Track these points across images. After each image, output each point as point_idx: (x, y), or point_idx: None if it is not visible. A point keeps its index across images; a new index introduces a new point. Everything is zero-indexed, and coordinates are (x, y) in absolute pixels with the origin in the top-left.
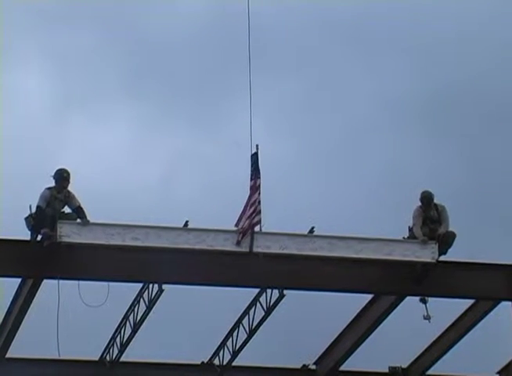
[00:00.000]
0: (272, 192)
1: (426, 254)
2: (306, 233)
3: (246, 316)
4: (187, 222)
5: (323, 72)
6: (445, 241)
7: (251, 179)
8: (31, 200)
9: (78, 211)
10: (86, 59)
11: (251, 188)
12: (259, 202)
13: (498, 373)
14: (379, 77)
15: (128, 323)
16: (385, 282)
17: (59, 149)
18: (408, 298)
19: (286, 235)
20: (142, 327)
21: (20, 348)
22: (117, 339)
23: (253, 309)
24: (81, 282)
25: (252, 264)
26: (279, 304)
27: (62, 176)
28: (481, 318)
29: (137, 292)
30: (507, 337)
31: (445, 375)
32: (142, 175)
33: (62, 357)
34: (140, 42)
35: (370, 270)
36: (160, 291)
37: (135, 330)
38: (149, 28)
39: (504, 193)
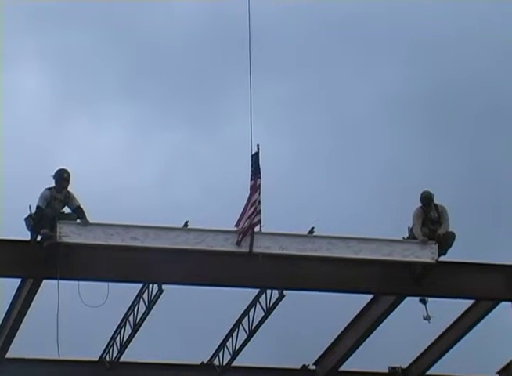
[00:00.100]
0: (272, 192)
1: (426, 254)
2: (306, 233)
3: (246, 317)
4: (187, 222)
5: (323, 72)
6: (445, 242)
7: (251, 179)
8: (31, 201)
9: (78, 212)
10: (85, 59)
11: (251, 188)
12: (259, 202)
13: (498, 373)
14: (379, 77)
15: (127, 323)
16: (385, 282)
17: (58, 149)
18: (408, 298)
19: (285, 235)
20: (141, 327)
21: (20, 348)
22: (117, 339)
23: (253, 309)
24: (81, 282)
25: (252, 264)
26: (279, 304)
27: (62, 176)
28: (481, 318)
29: (137, 292)
30: (507, 337)
31: (445, 375)
32: (141, 175)
33: (62, 357)
34: (139, 42)
35: (370, 270)
36: (160, 291)
37: (134, 331)
38: (147, 28)
39: (504, 193)
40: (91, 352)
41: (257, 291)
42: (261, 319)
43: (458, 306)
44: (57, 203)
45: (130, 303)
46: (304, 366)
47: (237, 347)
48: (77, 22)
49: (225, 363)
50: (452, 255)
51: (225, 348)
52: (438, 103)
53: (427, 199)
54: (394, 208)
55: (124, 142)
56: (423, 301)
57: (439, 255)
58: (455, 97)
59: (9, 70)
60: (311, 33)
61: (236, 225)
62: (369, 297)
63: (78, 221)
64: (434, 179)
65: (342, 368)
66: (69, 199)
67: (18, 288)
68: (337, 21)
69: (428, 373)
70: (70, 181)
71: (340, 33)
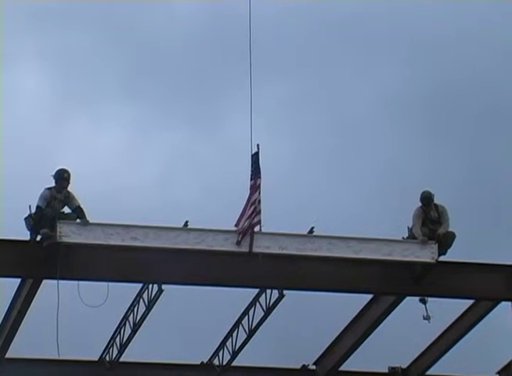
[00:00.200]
0: (272, 192)
1: (425, 254)
2: (306, 233)
3: (246, 317)
4: (187, 222)
5: (323, 72)
6: (445, 241)
7: (251, 179)
8: (31, 201)
9: (78, 212)
10: (85, 59)
11: (251, 188)
12: (259, 202)
13: (498, 373)
14: (379, 77)
15: (127, 323)
16: (385, 282)
17: (58, 149)
18: (407, 298)
19: (285, 235)
20: (141, 327)
21: (20, 348)
22: (117, 339)
23: (252, 309)
24: (81, 282)
25: (252, 264)
26: (279, 304)
27: (62, 176)
28: (481, 318)
29: (136, 292)
30: (507, 337)
31: (445, 375)
32: (141, 175)
33: (61, 357)
34: (139, 42)
35: (370, 270)
36: (160, 291)
37: (134, 331)
38: (147, 28)
39: (504, 193)
40: (91, 352)
41: (256, 290)
42: (261, 319)
43: (458, 306)
44: (57, 203)
45: (130, 303)
46: (303, 366)
47: (237, 347)
48: (77, 22)
49: (224, 363)
50: (452, 255)
51: (225, 348)
52: (438, 103)
53: (427, 199)
54: (394, 208)
55: (124, 142)
56: (423, 301)
57: (439, 255)
58: (455, 97)
59: (9, 70)
60: (311, 33)
61: (236, 225)
62: (369, 297)
63: (78, 221)
64: (434, 179)
65: (342, 368)
66: (69, 199)
67: (18, 288)
68: (337, 21)
69: (428, 373)
70: (70, 181)
71: (340, 33)
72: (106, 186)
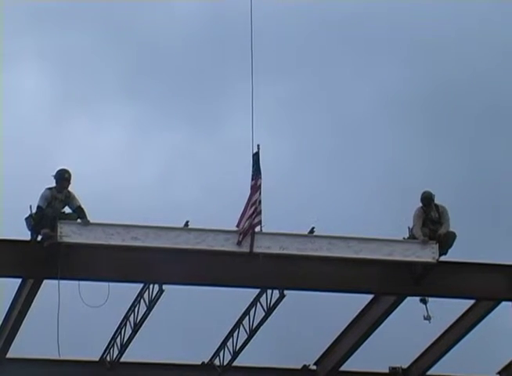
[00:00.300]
0: (272, 192)
1: (426, 254)
2: (306, 233)
3: (247, 317)
4: (187, 222)
5: (323, 72)
6: (446, 241)
7: (252, 179)
8: (31, 201)
9: (78, 212)
10: (85, 59)
11: (252, 188)
12: (259, 202)
13: (498, 373)
14: (379, 77)
15: (128, 323)
16: (385, 282)
17: (58, 149)
18: (408, 298)
19: (286, 235)
20: (142, 327)
21: (21, 348)
22: (118, 339)
23: (253, 309)
24: (82, 282)
25: (252, 264)
26: (280, 304)
27: (62, 176)
28: (482, 318)
29: (137, 292)
30: (508, 337)
31: (446, 375)
32: (141, 175)
33: (62, 357)
34: (139, 42)
35: (370, 270)
36: (161, 291)
37: (135, 331)
38: (147, 28)
39: (504, 193)
40: (92, 352)
41: (257, 291)
42: (262, 319)
43: (458, 306)
44: (58, 203)
45: (130, 303)
46: (304, 366)
47: (238, 347)
48: (77, 22)
49: (225, 363)
50: (453, 255)
51: (226, 348)
52: (438, 103)
53: (427, 199)
54: (395, 208)
55: (124, 142)
56: (424, 301)
57: (440, 255)
58: (455, 97)
59: (8, 70)
60: (311, 33)
61: (237, 226)
62: (370, 297)
63: (79, 221)
64: (434, 179)
65: (342, 368)
66: (69, 199)
67: (18, 288)
68: (337, 21)
69: (429, 373)
70: (71, 181)
71: (340, 33)
72: (105, 186)
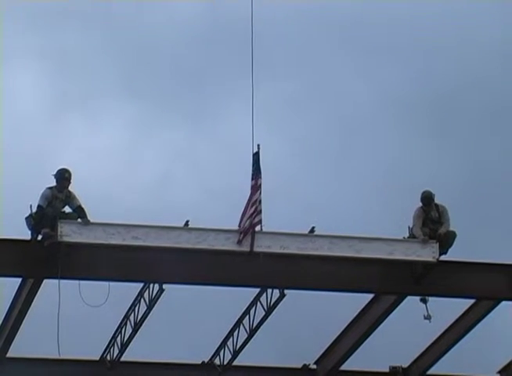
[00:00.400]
0: (273, 192)
1: (427, 253)
2: (307, 232)
3: (247, 316)
4: (188, 221)
5: (323, 72)
6: (446, 241)
7: (252, 179)
8: (31, 200)
9: (79, 211)
10: (83, 58)
11: (252, 187)
12: (260, 202)
13: (498, 372)
14: (379, 77)
15: (128, 322)
16: (386, 281)
17: (57, 148)
18: (408, 297)
19: (286, 235)
20: (142, 326)
21: (21, 347)
22: (118, 339)
23: (253, 308)
24: (82, 282)
25: (253, 264)
26: (280, 303)
27: (63, 176)
28: (482, 318)
29: (137, 292)
30: (508, 336)
31: (446, 375)
32: (141, 174)
33: (62, 357)
34: (138, 42)
35: (371, 270)
36: (161, 290)
37: (135, 330)
38: (147, 27)
39: (505, 193)
40: (92, 352)
41: (257, 290)
42: (262, 319)
43: (459, 306)
44: (58, 202)
45: (131, 302)
46: (304, 365)
47: (238, 346)
48: (76, 21)
49: (225, 363)
50: (453, 255)
51: (226, 348)
52: (438, 103)
53: (427, 199)
54: (395, 208)
55: (124, 142)
56: (424, 301)
57: (440, 255)
58: (455, 97)
59: (7, 69)
60: (311, 33)
61: (239, 226)
62: (370, 296)
63: (79, 220)
64: (434, 179)
65: (343, 367)
66: (70, 198)
67: (19, 288)
68: (337, 21)
69: (429, 372)
70: (71, 180)
71: (340, 33)
72: (105, 186)
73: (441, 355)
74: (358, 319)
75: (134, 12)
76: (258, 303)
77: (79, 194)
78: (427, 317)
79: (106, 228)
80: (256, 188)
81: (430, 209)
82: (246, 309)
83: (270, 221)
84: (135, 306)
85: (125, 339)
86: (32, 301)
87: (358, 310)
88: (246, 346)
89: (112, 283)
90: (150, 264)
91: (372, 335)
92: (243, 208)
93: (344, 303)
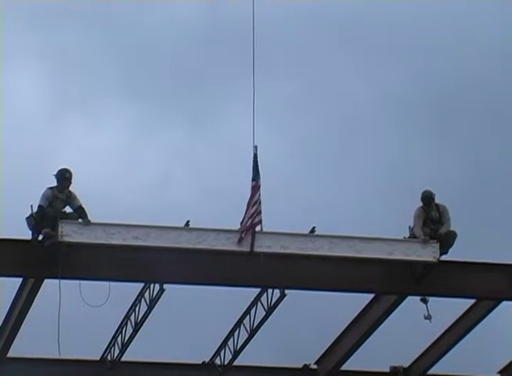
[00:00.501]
0: (273, 192)
1: (427, 253)
2: (307, 232)
3: (248, 316)
4: (188, 221)
5: (325, 72)
6: (446, 241)
7: (253, 180)
8: (31, 200)
9: (79, 211)
10: (83, 58)
11: (253, 188)
12: (260, 202)
13: (499, 372)
14: (379, 77)
15: (129, 322)
16: (386, 282)
17: (57, 148)
18: (409, 297)
19: (287, 235)
20: (143, 326)
21: (22, 347)
22: (118, 339)
23: (254, 308)
24: (82, 282)
25: (253, 264)
26: (280, 303)
27: (64, 176)
28: (483, 318)
29: (138, 292)
30: (508, 336)
31: (447, 375)
32: (141, 175)
33: (63, 357)
34: (138, 42)
35: (371, 270)
36: (162, 290)
37: (136, 330)
38: (146, 27)
39: (506, 193)
40: (93, 352)
41: (258, 290)
42: (263, 319)
43: (459, 306)
44: (59, 202)
45: (131, 302)
46: (305, 365)
47: (238, 346)
48: (77, 22)
49: (226, 363)
50: (454, 255)
51: (227, 348)
52: (439, 103)
53: (427, 198)
54: (396, 208)
55: (123, 142)
56: (424, 301)
57: (440, 255)
58: (455, 97)
59: (8, 70)
60: (310, 33)
61: (241, 225)
62: (371, 296)
63: (80, 220)
64: (435, 179)
65: (343, 367)
66: (70, 198)
67: (19, 288)
68: (337, 21)
69: (429, 372)
70: (72, 180)
71: (340, 33)
72: (104, 187)
73: (442, 355)
74: (359, 319)
75: (134, 12)
76: (259, 303)
77: (79, 194)
78: (428, 317)
79: (107, 228)
80: (256, 188)
81: (430, 209)
82: (247, 309)
83: (270, 221)
84: (136, 306)
85: (126, 339)
86: (33, 301)
87: (359, 310)
88: (247, 346)
89: (112, 283)
90: (151, 264)
91: (372, 335)
92: (244, 209)
93: (344, 303)
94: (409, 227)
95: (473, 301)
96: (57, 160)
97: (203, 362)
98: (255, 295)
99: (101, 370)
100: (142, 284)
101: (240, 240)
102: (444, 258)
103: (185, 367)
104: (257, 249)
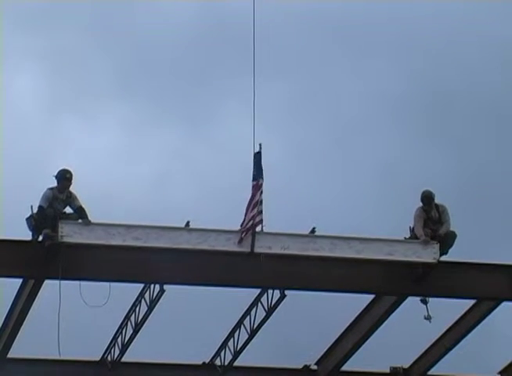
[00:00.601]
0: (273, 192)
1: (427, 254)
2: (307, 233)
3: (248, 317)
4: (188, 222)
5: (321, 72)
6: (446, 241)
7: (253, 179)
8: (31, 201)
9: (80, 212)
10: (79, 59)
11: (254, 188)
12: (261, 202)
13: (499, 373)
14: (381, 78)
15: (129, 323)
16: (386, 282)
17: (55, 149)
18: (409, 298)
19: (287, 235)
20: (143, 327)
21: (22, 348)
22: (119, 339)
23: (254, 309)
24: (83, 282)
25: (253, 264)
26: (281, 304)
27: (64, 177)
28: (483, 318)
29: (138, 292)
30: (509, 337)
31: (447, 375)
32: (137, 175)
33: (63, 357)
34: (133, 43)
35: (372, 270)
36: (162, 291)
37: (136, 331)
38: (143, 28)
39: (506, 193)
40: (93, 352)
41: (258, 291)
42: (263, 320)
43: (459, 306)
44: (59, 203)
45: (131, 303)
46: (305, 366)
47: (239, 347)
48: (72, 21)
49: (226, 363)
50: (454, 255)
51: (227, 348)
52: (437, 103)
53: (427, 198)
54: (396, 208)
55: (124, 143)
56: (425, 302)
57: (440, 255)
58: (454, 97)
59: (6, 71)
60: (309, 34)
61: (241, 226)
62: (371, 297)
63: (80, 221)
64: (435, 179)
65: (343, 368)
66: (71, 199)
67: (19, 288)
68: (336, 22)
69: (429, 373)
70: (72, 181)
71: (339, 34)
72: (102, 187)
73: (442, 355)
74: (359, 320)
75: (131, 13)
76: (259, 304)
77: (79, 195)
78: (428, 318)
79: (107, 228)
80: (257, 188)
81: (430, 209)
82: (247, 309)
83: (271, 221)
84: (136, 307)
85: (126, 340)
86: (33, 301)
87: (359, 311)
88: (247, 347)
89: (112, 284)
90: (151, 265)
91: (372, 336)
92: (244, 209)
93: (344, 304)
94: (410, 228)
95: (473, 301)
96: (56, 160)
97: (204, 362)
98: (255, 296)
99: (101, 371)
100: (142, 285)
101: (241, 241)
102: (444, 258)
103: (186, 368)
104: (257, 250)
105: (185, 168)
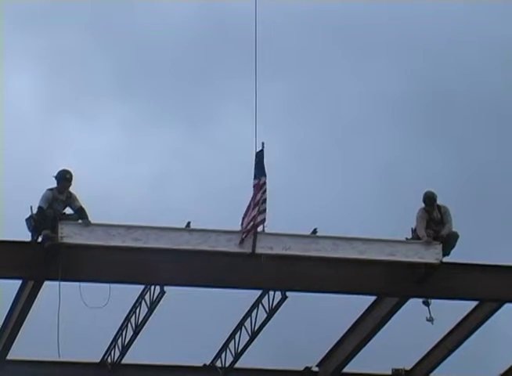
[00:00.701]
0: (274, 193)
1: (430, 255)
2: (309, 233)
3: (249, 318)
4: (189, 222)
5: (321, 73)
6: (448, 242)
7: (255, 178)
8: (30, 201)
9: (80, 212)
10: (78, 59)
11: (255, 187)
12: (264, 201)
13: (502, 375)
14: (381, 78)
15: (129, 325)
16: (388, 283)
17: (54, 150)
18: (411, 299)
19: (289, 236)
20: (143, 329)
21: (21, 349)
22: (119, 341)
23: (255, 310)
24: (82, 283)
25: (254, 265)
26: (282, 306)
27: (64, 177)
28: (485, 320)
29: (138, 294)
30: (511, 339)
31: None
32: (137, 175)
33: (63, 359)
34: (133, 43)
35: (373, 271)
36: (162, 292)
37: (136, 332)
38: (143, 28)
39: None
40: (93, 354)
41: (259, 292)
42: (264, 321)
43: (462, 308)
44: (59, 203)
45: (132, 305)
46: (306, 368)
47: (240, 349)
48: (71, 22)
49: (227, 365)
50: (456, 256)
51: (228, 350)
52: (438, 104)
53: (430, 199)
54: (399, 209)
55: (123, 143)
56: (427, 303)
57: (442, 256)
58: (454, 97)
59: (5, 71)
60: (309, 34)
61: (241, 226)
62: (373, 298)
63: (80, 221)
64: (437, 180)
65: (345, 370)
66: (71, 199)
67: (19, 290)
68: (336, 23)
69: (432, 375)
70: (72, 182)
71: (338, 33)
72: (102, 187)
73: (444, 357)
74: (361, 321)
75: (131, 13)
76: (260, 305)
77: (79, 195)
78: (430, 319)
79: (107, 229)
80: (259, 187)
81: (432, 210)
82: (248, 311)
83: (272, 222)
84: (136, 308)
85: (126, 341)
86: (32, 303)
87: (361, 312)
88: (248, 349)
89: (113, 285)
90: (151, 266)
91: (374, 337)
92: (244, 209)
93: (346, 305)
94: (412, 229)
95: (475, 303)
96: (56, 161)
97: (204, 364)
98: (256, 297)
99: (101, 373)
100: (142, 286)
101: (242, 242)
102: (446, 259)
103: (186, 370)
104: (258, 250)
105: (185, 168)
